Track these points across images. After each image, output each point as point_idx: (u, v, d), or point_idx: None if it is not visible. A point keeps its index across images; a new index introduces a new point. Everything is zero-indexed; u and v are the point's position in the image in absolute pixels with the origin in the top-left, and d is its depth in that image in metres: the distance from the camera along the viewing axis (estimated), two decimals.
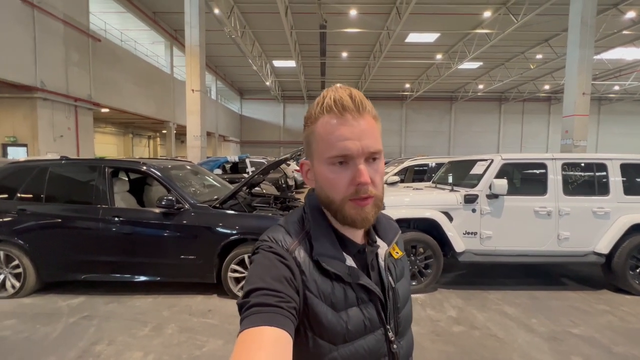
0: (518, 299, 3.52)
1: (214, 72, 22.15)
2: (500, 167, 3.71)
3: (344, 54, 18.51)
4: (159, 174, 3.56)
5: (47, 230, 3.44)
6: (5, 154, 9.56)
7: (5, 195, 3.56)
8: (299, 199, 4.81)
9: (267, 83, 21.45)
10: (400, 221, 3.70)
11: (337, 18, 13.94)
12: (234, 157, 9.05)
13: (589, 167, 3.74)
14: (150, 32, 15.73)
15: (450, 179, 4.35)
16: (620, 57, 17.79)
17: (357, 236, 0.64)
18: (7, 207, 3.48)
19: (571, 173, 3.73)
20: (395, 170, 7.00)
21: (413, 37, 15.77)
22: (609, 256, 3.59)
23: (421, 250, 3.68)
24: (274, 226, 0.65)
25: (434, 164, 6.74)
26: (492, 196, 3.64)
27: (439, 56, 18.46)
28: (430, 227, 3.71)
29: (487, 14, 13.54)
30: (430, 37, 15.94)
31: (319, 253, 0.59)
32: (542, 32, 15.24)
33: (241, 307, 0.51)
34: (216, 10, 11.83)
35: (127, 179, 4.63)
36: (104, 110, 12.71)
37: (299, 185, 12.11)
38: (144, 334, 2.79)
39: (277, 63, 20.16)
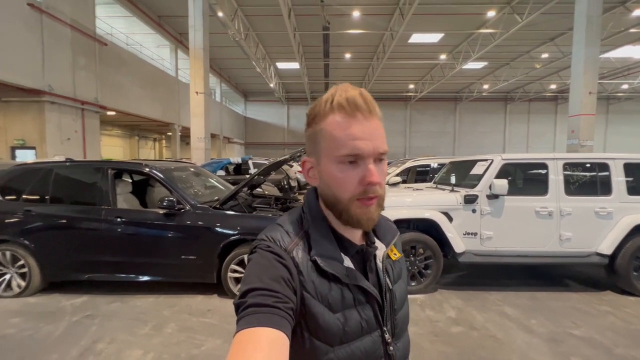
0: (519, 300, 3.49)
1: (218, 74, 22.35)
2: (500, 168, 3.69)
3: (348, 55, 18.55)
4: (160, 175, 3.61)
5: (51, 230, 3.51)
6: (14, 157, 9.76)
7: (12, 197, 3.64)
8: (300, 199, 4.83)
9: (271, 85, 21.56)
10: (400, 221, 3.71)
11: (340, 19, 13.98)
12: (237, 159, 9.12)
13: (590, 166, 3.70)
14: (155, 36, 15.94)
15: (452, 179, 4.34)
16: (629, 55, 17.53)
17: (355, 237, 0.64)
18: (13, 208, 3.56)
19: (573, 173, 3.69)
20: (397, 171, 6.98)
21: (416, 38, 15.74)
22: (612, 257, 3.55)
23: (421, 250, 3.67)
24: (272, 225, 0.65)
25: (436, 165, 6.71)
26: (493, 196, 3.63)
27: (443, 56, 18.39)
28: (430, 227, 3.70)
29: (491, 13, 13.47)
30: (433, 38, 15.90)
31: (318, 253, 0.59)
32: (548, 31, 15.10)
33: (238, 307, 0.51)
34: (220, 14, 11.96)
35: (130, 180, 4.71)
36: (110, 113, 12.89)
37: (302, 187, 12.14)
38: (144, 333, 2.83)
39: (281, 65, 20.27)
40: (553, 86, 23.91)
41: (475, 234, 3.66)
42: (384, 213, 0.68)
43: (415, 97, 25.92)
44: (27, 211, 3.52)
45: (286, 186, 8.38)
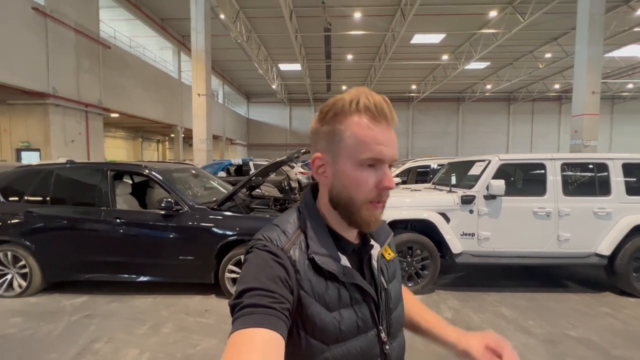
0: (517, 301, 3.47)
1: (221, 76, 22.48)
2: (497, 168, 3.68)
3: (349, 57, 18.58)
4: (158, 177, 3.64)
5: (52, 231, 3.56)
6: (19, 159, 9.89)
7: (14, 198, 3.69)
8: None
9: (274, 86, 21.63)
10: (397, 222, 3.71)
11: (341, 21, 14.01)
12: (237, 160, 9.17)
13: (589, 167, 3.68)
14: (158, 38, 16.09)
15: (453, 180, 4.34)
16: (633, 54, 17.35)
17: (352, 236, 0.65)
18: (15, 209, 3.62)
19: (571, 173, 3.67)
20: (397, 172, 6.98)
21: (418, 39, 15.73)
22: (611, 258, 3.52)
23: (418, 251, 3.67)
24: (269, 225, 0.65)
25: (436, 165, 6.70)
26: (490, 197, 3.61)
27: (445, 57, 18.35)
28: (427, 228, 3.70)
29: (493, 13, 13.42)
30: (435, 38, 15.87)
31: (315, 251, 0.59)
32: (551, 30, 15.01)
33: (234, 308, 0.51)
34: (222, 16, 12.04)
35: (130, 182, 4.76)
36: (113, 115, 13.03)
37: (303, 188, 12.18)
38: (141, 333, 2.86)
39: (283, 66, 20.35)
40: (557, 86, 23.75)
41: (473, 234, 3.65)
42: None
43: (417, 98, 25.87)
44: (28, 212, 3.57)
45: (287, 187, 8.42)
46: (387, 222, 0.78)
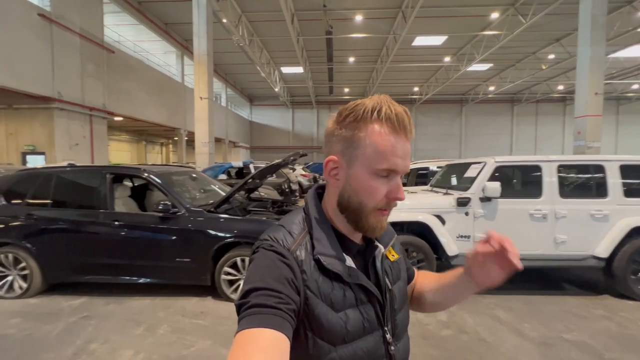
0: (513, 304, 3.45)
1: (224, 79, 22.67)
2: (493, 170, 3.68)
3: (351, 59, 18.65)
4: (156, 179, 3.69)
5: (51, 234, 3.62)
6: (24, 162, 10.06)
7: (15, 201, 3.77)
8: (299, 204, 4.87)
9: (276, 89, 21.77)
10: (393, 224, 3.70)
11: (342, 24, 14.08)
12: (238, 163, 9.23)
13: (586, 169, 3.66)
14: (162, 43, 16.30)
15: (453, 181, 4.33)
16: (638, 55, 17.18)
17: (356, 237, 0.66)
18: (16, 212, 3.69)
19: (567, 175, 3.66)
20: None
21: (420, 41, 15.74)
22: (609, 260, 3.49)
23: (414, 254, 3.67)
24: (274, 226, 0.65)
25: (435, 167, 6.69)
26: (485, 199, 3.61)
27: (447, 59, 18.34)
28: (423, 230, 3.70)
29: (495, 15, 13.42)
30: (437, 40, 15.88)
31: (320, 252, 0.59)
32: (553, 31, 14.96)
33: (240, 307, 0.51)
34: (224, 20, 12.17)
35: (130, 184, 4.82)
36: (117, 118, 13.19)
37: (304, 190, 12.21)
38: (137, 334, 2.89)
39: (285, 69, 20.47)
40: (560, 87, 23.59)
41: (469, 236, 3.65)
42: None
43: (420, 100, 25.85)
44: (28, 215, 3.64)
45: (287, 190, 8.46)
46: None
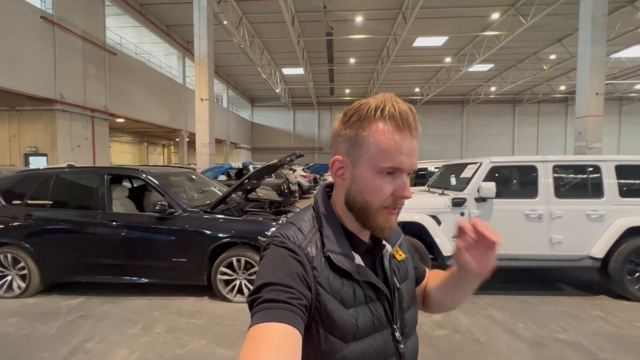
0: (508, 304, 3.45)
1: (225, 81, 22.76)
2: (488, 170, 3.68)
3: (352, 60, 18.68)
4: (154, 180, 3.72)
5: (50, 234, 3.66)
6: (27, 163, 10.15)
7: (14, 201, 3.81)
8: (298, 207, 4.88)
9: (277, 90, 21.83)
10: None
11: (343, 25, 14.12)
12: (237, 164, 9.28)
13: (581, 169, 3.66)
14: (163, 45, 16.40)
15: (452, 182, 4.34)
16: None
17: (365, 236, 0.67)
18: (15, 212, 3.73)
19: (563, 175, 3.65)
20: None
21: (420, 42, 15.75)
22: (605, 260, 3.48)
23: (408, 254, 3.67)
24: (285, 224, 0.66)
25: (433, 168, 6.69)
26: (481, 199, 3.61)
27: (447, 59, 18.34)
28: (419, 230, 3.71)
29: (495, 15, 13.40)
30: (438, 41, 15.88)
31: (330, 250, 0.60)
32: (554, 32, 14.92)
33: (252, 302, 0.52)
34: (225, 22, 12.23)
35: (130, 185, 4.85)
36: (119, 120, 13.28)
37: (305, 191, 12.24)
38: (133, 333, 2.92)
39: (286, 71, 20.53)
40: (562, 87, 23.51)
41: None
42: None
43: (421, 101, 25.82)
44: (27, 215, 3.68)
45: (286, 190, 8.48)
46: None
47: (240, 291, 3.52)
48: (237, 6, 12.75)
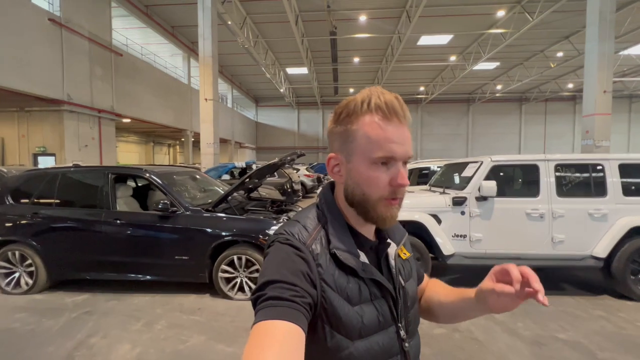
0: None
1: (230, 81, 22.88)
2: (489, 169, 3.67)
3: (356, 59, 18.65)
4: (157, 179, 3.78)
5: (56, 232, 3.74)
6: (36, 163, 10.34)
7: (22, 201, 3.90)
8: (300, 207, 4.91)
9: (281, 90, 21.90)
10: None
11: (347, 24, 14.11)
12: (241, 163, 9.34)
13: (584, 168, 3.62)
14: (169, 45, 16.55)
15: (456, 181, 4.32)
16: None
17: (370, 233, 0.67)
18: (22, 211, 3.82)
19: (565, 174, 3.62)
20: None
21: (425, 40, 15.67)
22: (608, 260, 3.44)
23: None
24: (289, 221, 0.66)
25: (436, 167, 6.67)
26: (481, 198, 3.60)
27: (452, 58, 18.21)
28: (419, 229, 3.71)
29: (501, 13, 13.27)
30: (442, 39, 15.79)
31: (336, 247, 0.60)
32: (562, 29, 14.71)
33: (256, 300, 0.52)
34: (229, 22, 12.30)
35: (134, 184, 4.93)
36: (125, 120, 13.44)
37: (309, 190, 12.26)
38: (135, 329, 2.97)
39: (290, 70, 20.58)
40: (570, 85, 23.16)
41: (465, 236, 3.64)
42: None
43: (426, 100, 25.69)
44: (34, 214, 3.76)
45: (289, 190, 8.51)
46: None
47: (241, 289, 3.57)
48: (241, 6, 12.82)
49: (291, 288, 0.52)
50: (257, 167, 9.14)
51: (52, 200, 3.85)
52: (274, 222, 3.58)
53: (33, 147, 10.40)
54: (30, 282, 3.71)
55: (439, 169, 6.51)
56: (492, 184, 3.49)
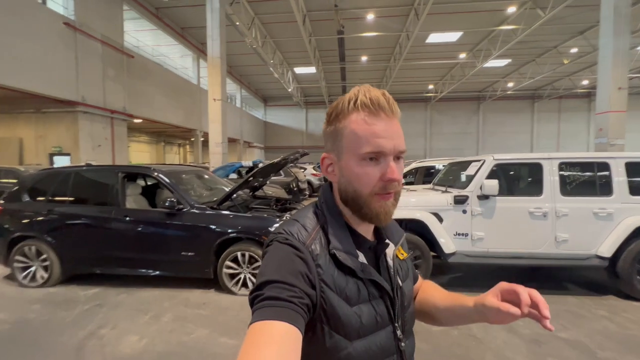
0: None
1: (238, 81, 23.12)
2: (491, 168, 3.66)
3: (364, 58, 18.59)
4: (164, 178, 3.90)
5: (69, 228, 3.90)
6: (52, 163, 10.70)
7: (38, 198, 4.08)
8: (304, 205, 4.97)
9: (289, 90, 22.00)
10: None
11: (354, 23, 14.09)
12: (248, 162, 9.47)
13: (589, 166, 3.57)
14: (179, 47, 16.83)
15: (463, 179, 4.32)
16: None
17: (368, 233, 0.67)
18: (38, 208, 4.00)
19: (570, 173, 3.58)
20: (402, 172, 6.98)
21: (434, 38, 15.52)
22: (613, 260, 3.40)
23: (410, 251, 3.70)
24: (288, 220, 0.66)
25: (441, 166, 6.65)
26: (483, 197, 3.60)
27: (462, 55, 17.97)
28: (421, 227, 3.73)
29: (512, 9, 13.03)
30: (452, 37, 15.60)
31: (335, 247, 0.60)
32: (576, 24, 14.36)
33: (254, 299, 0.52)
34: (237, 23, 12.45)
35: (143, 183, 5.08)
36: (137, 120, 13.77)
37: (315, 189, 12.32)
38: (143, 321, 3.09)
39: (298, 70, 20.65)
40: (585, 82, 22.54)
41: (466, 234, 3.64)
42: None
43: (435, 98, 25.42)
44: (49, 211, 3.94)
45: (295, 189, 8.59)
46: None
47: (244, 284, 3.65)
48: (249, 7, 12.95)
49: (289, 288, 0.52)
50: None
51: (66, 198, 4.02)
52: (277, 219, 3.66)
53: (49, 147, 10.76)
54: (46, 275, 3.88)
55: (444, 167, 6.49)
56: (494, 183, 3.48)
